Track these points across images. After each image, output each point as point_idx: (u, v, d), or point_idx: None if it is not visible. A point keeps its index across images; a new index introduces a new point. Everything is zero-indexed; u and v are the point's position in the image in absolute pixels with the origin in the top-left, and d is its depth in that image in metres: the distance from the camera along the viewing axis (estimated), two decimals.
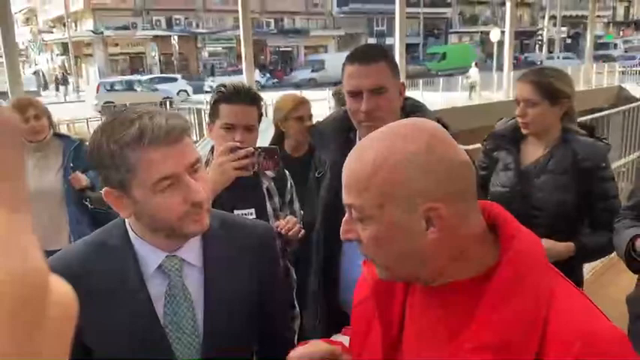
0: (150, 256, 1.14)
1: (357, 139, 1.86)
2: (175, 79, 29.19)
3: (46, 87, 35.50)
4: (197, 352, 1.14)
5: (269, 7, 42.47)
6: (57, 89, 34.60)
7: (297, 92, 5.73)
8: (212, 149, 2.06)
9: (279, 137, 3.00)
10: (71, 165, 2.99)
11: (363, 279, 1.03)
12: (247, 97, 1.89)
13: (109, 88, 23.89)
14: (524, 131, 2.18)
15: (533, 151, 2.20)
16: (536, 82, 2.09)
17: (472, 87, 21.03)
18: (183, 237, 1.13)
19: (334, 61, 28.19)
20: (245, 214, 1.94)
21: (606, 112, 6.97)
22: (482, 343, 0.74)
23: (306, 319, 1.97)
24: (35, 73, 36.44)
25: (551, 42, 46.72)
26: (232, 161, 1.75)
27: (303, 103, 3.05)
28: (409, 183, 0.77)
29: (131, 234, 1.15)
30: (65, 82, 34.47)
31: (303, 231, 1.95)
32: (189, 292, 1.16)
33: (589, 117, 6.20)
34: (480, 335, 0.75)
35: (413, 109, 1.85)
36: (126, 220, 1.16)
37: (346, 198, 0.84)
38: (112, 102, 20.48)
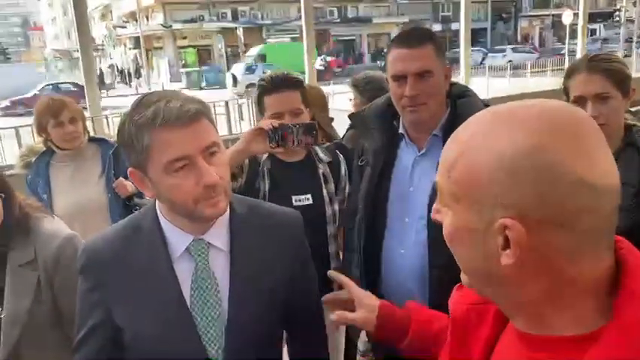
0: (177, 239, 1.16)
1: (401, 126, 1.81)
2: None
3: (120, 80, 37.30)
4: (222, 335, 1.16)
5: None
6: (129, 81, 36.28)
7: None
8: None
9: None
10: (112, 172, 2.66)
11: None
12: (288, 83, 1.95)
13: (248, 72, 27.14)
14: None
15: None
16: (608, 71, 1.69)
17: None
18: (202, 220, 1.14)
19: None
20: (301, 200, 1.98)
21: None
22: None
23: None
24: (110, 66, 38.29)
25: (630, 23, 43.78)
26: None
27: None
28: (491, 185, 0.61)
29: (160, 217, 1.18)
30: (138, 74, 36.09)
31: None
32: (214, 276, 1.17)
33: None
34: None
35: (459, 94, 1.78)
36: (156, 203, 1.19)
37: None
38: (253, 83, 23.43)
